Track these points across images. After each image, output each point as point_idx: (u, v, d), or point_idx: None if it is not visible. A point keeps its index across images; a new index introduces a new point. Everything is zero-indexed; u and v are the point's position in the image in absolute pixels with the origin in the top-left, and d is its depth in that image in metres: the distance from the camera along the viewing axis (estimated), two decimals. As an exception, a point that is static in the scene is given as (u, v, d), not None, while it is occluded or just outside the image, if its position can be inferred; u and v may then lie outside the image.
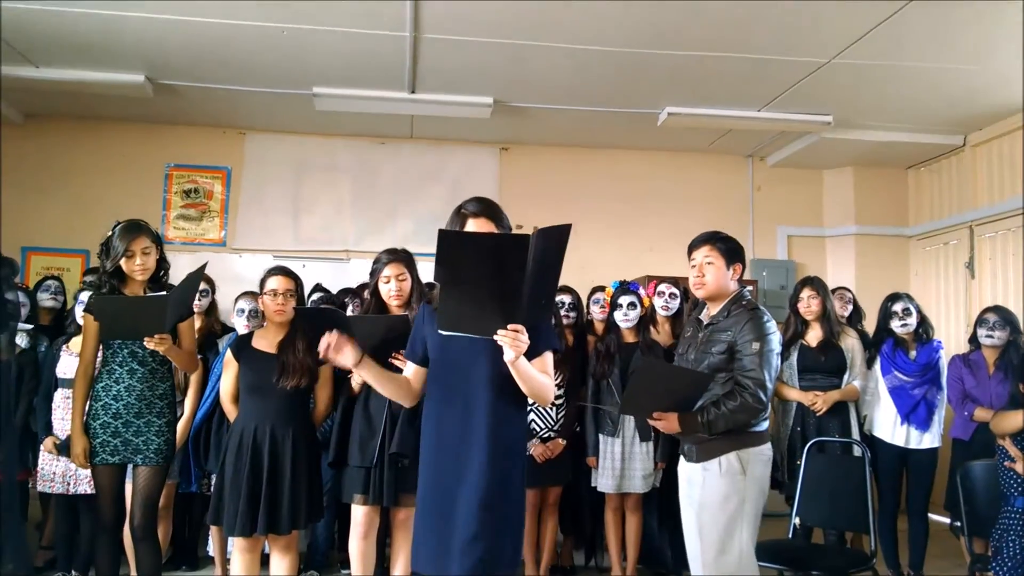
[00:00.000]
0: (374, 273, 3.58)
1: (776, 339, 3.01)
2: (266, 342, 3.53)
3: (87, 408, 3.36)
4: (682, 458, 3.19)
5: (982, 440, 4.22)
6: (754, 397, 2.89)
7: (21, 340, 4.43)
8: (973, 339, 4.65)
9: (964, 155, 6.77)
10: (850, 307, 5.06)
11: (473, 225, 2.52)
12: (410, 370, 2.67)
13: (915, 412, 4.51)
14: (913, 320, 4.56)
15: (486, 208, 2.58)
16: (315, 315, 3.65)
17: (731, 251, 3.12)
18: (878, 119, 6.36)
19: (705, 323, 3.15)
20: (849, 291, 5.18)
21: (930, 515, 4.63)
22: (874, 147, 6.81)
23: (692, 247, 3.20)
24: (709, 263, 3.10)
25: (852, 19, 4.61)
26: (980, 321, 4.58)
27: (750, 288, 6.28)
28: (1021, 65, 5.07)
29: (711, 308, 3.16)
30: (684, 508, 3.17)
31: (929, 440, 4.53)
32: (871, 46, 4.94)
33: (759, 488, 2.99)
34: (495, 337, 2.28)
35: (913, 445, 4.52)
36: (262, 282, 3.59)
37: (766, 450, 3.04)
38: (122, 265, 3.33)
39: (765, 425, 3.05)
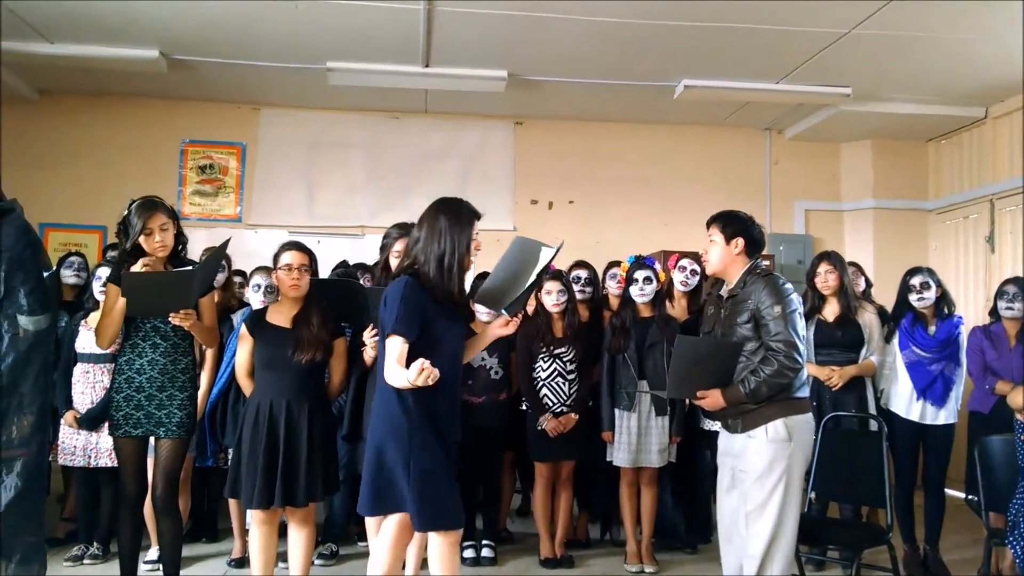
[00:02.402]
0: (385, 247, 3.59)
1: (796, 298, 3.11)
2: (281, 317, 3.54)
3: (111, 381, 3.40)
4: (723, 432, 3.25)
5: (1002, 413, 4.19)
6: (788, 357, 2.98)
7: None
8: (994, 311, 4.60)
9: (985, 127, 6.68)
10: (863, 281, 5.01)
11: (476, 224, 2.92)
12: (403, 348, 2.69)
13: (931, 388, 4.48)
14: (931, 294, 4.52)
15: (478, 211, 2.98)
16: (332, 286, 3.67)
17: (729, 228, 3.24)
18: (898, 91, 6.28)
19: (726, 298, 3.24)
20: (856, 265, 5.11)
21: (947, 490, 4.61)
22: (893, 120, 6.73)
23: (707, 228, 3.34)
24: (712, 242, 3.26)
25: (872, -12, 4.54)
26: (1000, 293, 4.54)
27: (767, 263, 6.27)
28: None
29: (728, 284, 3.26)
30: (722, 481, 3.22)
31: (945, 416, 4.49)
32: (891, 17, 4.86)
33: (804, 455, 3.08)
34: (508, 320, 2.90)
35: (929, 421, 4.49)
36: (276, 257, 3.58)
37: (810, 418, 3.12)
38: (141, 243, 3.33)
39: (806, 392, 3.14)
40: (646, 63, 5.80)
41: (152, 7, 4.94)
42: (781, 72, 5.91)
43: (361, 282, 4.33)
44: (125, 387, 3.36)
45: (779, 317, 3.01)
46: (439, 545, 2.79)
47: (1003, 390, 4.25)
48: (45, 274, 2.57)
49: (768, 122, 7.25)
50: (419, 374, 2.50)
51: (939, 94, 6.31)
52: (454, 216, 2.84)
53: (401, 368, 2.64)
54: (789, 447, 3.01)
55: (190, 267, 3.40)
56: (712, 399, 3.10)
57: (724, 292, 3.29)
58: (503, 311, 2.89)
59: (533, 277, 2.83)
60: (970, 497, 4.43)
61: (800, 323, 3.09)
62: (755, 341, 3.07)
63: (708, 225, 3.31)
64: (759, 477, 3.01)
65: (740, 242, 3.21)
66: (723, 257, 3.22)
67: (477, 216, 2.91)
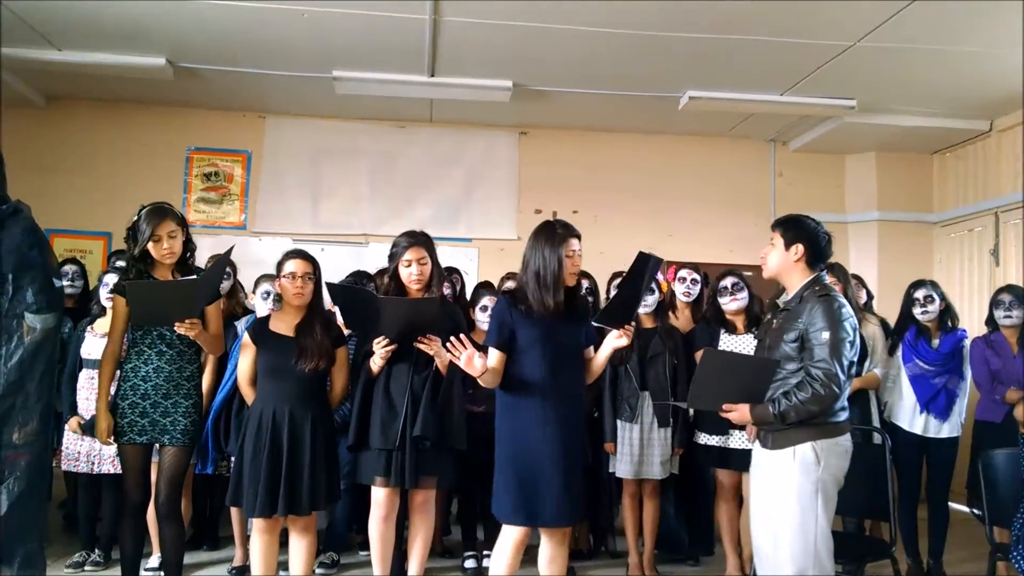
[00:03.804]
0: (393, 256, 3.58)
1: (849, 325, 2.93)
2: (284, 325, 3.54)
3: (116, 388, 3.41)
4: (756, 442, 3.17)
5: (1013, 422, 4.20)
6: (825, 387, 2.85)
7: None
8: (990, 321, 4.60)
9: (990, 140, 6.68)
10: (864, 294, 5.00)
11: (572, 243, 3.14)
12: (494, 357, 3.15)
13: (935, 401, 4.47)
14: (935, 307, 4.51)
15: (575, 228, 3.21)
16: (346, 292, 3.67)
17: (791, 232, 3.09)
18: (903, 103, 6.29)
19: (780, 309, 3.14)
20: (857, 277, 5.11)
21: (950, 504, 4.60)
22: (898, 132, 6.73)
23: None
24: (772, 244, 3.13)
25: (877, 2, 4.55)
26: (996, 302, 4.55)
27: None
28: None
29: (787, 293, 3.14)
30: (754, 492, 3.14)
31: (948, 430, 4.49)
32: (896, 29, 4.87)
33: (834, 479, 2.96)
34: (619, 330, 3.14)
35: (932, 434, 4.49)
36: (279, 265, 3.59)
37: (843, 441, 2.99)
38: (150, 249, 3.35)
39: (844, 416, 2.99)
40: (651, 74, 5.81)
41: (159, 15, 4.97)
42: (786, 84, 5.92)
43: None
44: (130, 394, 3.36)
45: (826, 344, 2.86)
46: (502, 535, 3.17)
47: (1012, 398, 4.27)
48: (57, 284, 2.58)
49: (773, 134, 7.26)
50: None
51: (944, 107, 6.32)
52: (548, 236, 3.14)
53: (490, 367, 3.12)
54: (817, 470, 2.90)
55: (193, 277, 3.41)
56: (740, 414, 3.00)
57: (781, 301, 3.18)
58: (595, 322, 3.24)
59: (631, 288, 3.15)
60: (973, 511, 4.42)
61: (848, 352, 2.91)
62: (797, 361, 2.95)
63: (773, 228, 3.17)
64: (785, 498, 2.92)
65: (800, 249, 3.05)
66: (780, 262, 3.08)
67: (572, 234, 3.16)
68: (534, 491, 3.06)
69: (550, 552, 3.21)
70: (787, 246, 3.07)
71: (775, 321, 3.12)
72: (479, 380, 3.13)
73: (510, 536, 3.13)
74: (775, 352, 3.03)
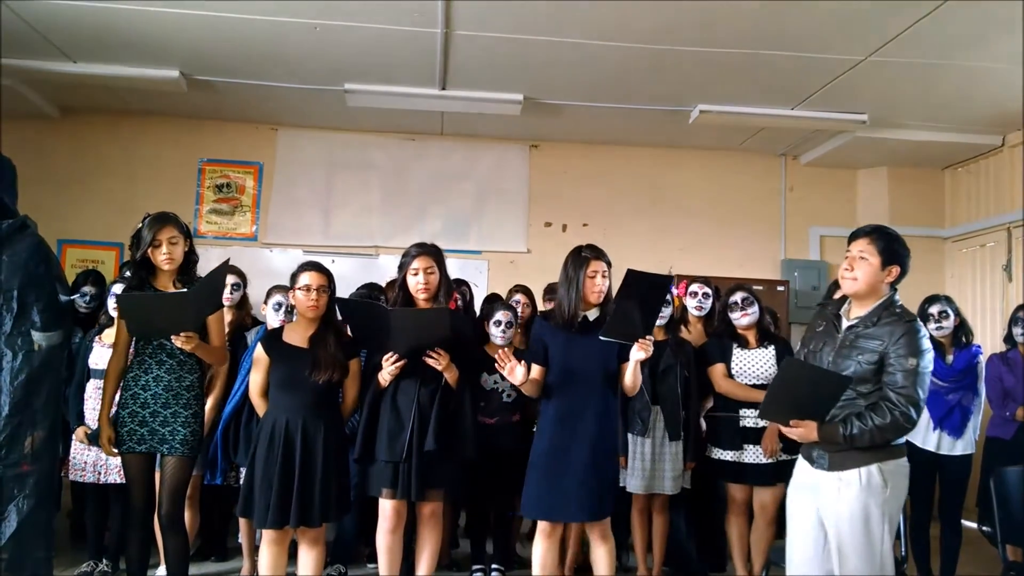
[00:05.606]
0: (402, 266, 3.61)
1: (931, 356, 2.82)
2: (297, 336, 3.54)
3: (119, 397, 3.42)
4: (803, 464, 3.00)
5: (1023, 439, 4.17)
6: (904, 416, 2.73)
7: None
8: (1008, 338, 4.58)
9: (1002, 155, 6.65)
10: None
11: (595, 265, 3.41)
12: (536, 371, 3.45)
13: (948, 418, 4.44)
14: (950, 323, 4.49)
15: (603, 253, 3.48)
16: (355, 306, 3.67)
17: (890, 250, 2.90)
18: (914, 118, 6.27)
19: (848, 324, 2.93)
20: None
21: (963, 522, 4.55)
22: (910, 147, 6.71)
23: (851, 238, 2.97)
24: (863, 258, 2.89)
25: (889, 16, 4.54)
26: (1014, 320, 4.54)
27: (780, 287, 6.11)
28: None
29: (855, 308, 2.95)
30: (799, 513, 2.97)
31: (962, 447, 4.45)
32: (908, 44, 4.86)
33: (899, 502, 2.86)
34: (638, 343, 3.27)
35: (945, 451, 4.45)
36: (294, 277, 3.60)
37: (905, 462, 2.87)
38: (150, 255, 3.37)
39: (903, 439, 2.88)
40: (662, 88, 5.81)
41: (174, 28, 5.00)
42: (797, 98, 5.91)
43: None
44: (130, 403, 3.37)
45: (911, 371, 2.73)
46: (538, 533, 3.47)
47: (1023, 416, 4.24)
48: (64, 299, 2.59)
49: (784, 148, 7.25)
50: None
51: (956, 122, 6.30)
52: (574, 257, 3.45)
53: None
54: (884, 493, 2.77)
55: (184, 289, 3.41)
56: (806, 431, 2.83)
57: (844, 314, 2.97)
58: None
59: (629, 303, 3.27)
60: (984, 528, 4.38)
61: (927, 383, 2.80)
62: (872, 384, 2.80)
63: (858, 236, 2.94)
64: (853, 524, 2.77)
65: (895, 271, 2.89)
66: (873, 281, 2.87)
67: (597, 256, 3.44)
68: (554, 488, 3.35)
69: (592, 547, 3.51)
70: (884, 264, 2.89)
71: (840, 336, 2.93)
72: (521, 389, 3.44)
73: (537, 532, 3.49)
74: (841, 369, 2.85)
